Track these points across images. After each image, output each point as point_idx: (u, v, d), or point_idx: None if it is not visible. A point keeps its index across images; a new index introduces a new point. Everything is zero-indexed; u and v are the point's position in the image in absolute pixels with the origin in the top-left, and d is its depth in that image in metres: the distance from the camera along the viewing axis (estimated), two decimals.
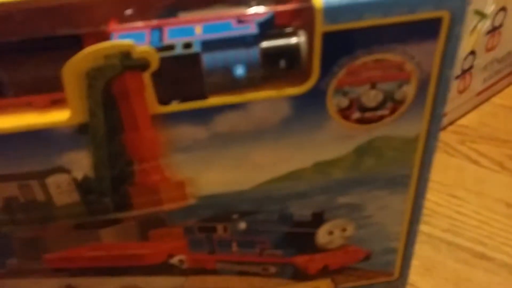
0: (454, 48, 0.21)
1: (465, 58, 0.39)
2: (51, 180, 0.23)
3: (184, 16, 0.21)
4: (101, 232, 0.25)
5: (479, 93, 0.43)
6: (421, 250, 0.34)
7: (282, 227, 0.27)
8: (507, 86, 0.46)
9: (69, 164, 0.22)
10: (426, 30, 0.21)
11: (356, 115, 0.23)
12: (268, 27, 0.21)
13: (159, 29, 0.21)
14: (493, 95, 0.45)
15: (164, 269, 0.28)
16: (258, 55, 0.21)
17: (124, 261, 0.27)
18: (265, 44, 0.21)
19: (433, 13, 0.20)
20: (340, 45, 0.21)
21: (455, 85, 0.40)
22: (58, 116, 0.21)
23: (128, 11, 0.20)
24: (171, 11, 0.22)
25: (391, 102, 0.23)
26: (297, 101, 0.22)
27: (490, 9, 0.37)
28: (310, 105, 0.22)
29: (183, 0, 0.22)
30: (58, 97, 0.22)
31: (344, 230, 0.28)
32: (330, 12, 0.20)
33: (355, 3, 0.19)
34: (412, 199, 0.27)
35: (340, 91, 0.22)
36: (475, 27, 0.37)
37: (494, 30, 0.40)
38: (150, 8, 0.22)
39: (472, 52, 0.39)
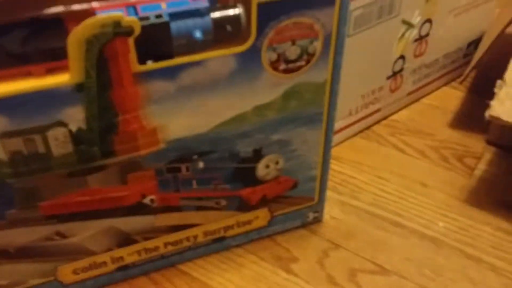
0: (345, 11, 0.30)
1: (395, 62, 0.47)
2: (51, 134, 0.28)
3: None
4: (89, 178, 0.31)
5: (409, 93, 0.52)
6: (348, 219, 0.42)
7: (231, 164, 0.34)
8: (436, 89, 0.54)
9: (67, 118, 0.28)
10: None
11: (282, 66, 0.31)
12: (215, 1, 0.29)
13: (133, 6, 0.27)
14: (423, 96, 0.54)
15: (138, 209, 0.34)
16: (211, 22, 0.28)
17: (106, 204, 0.32)
18: (215, 14, 0.28)
19: None
20: (269, 13, 0.28)
21: (387, 84, 0.48)
22: (60, 79, 0.26)
23: None
24: None
25: (306, 55, 0.31)
26: (240, 57, 0.30)
27: (416, 19, 0.46)
28: (249, 59, 0.30)
29: None
30: (52, 66, 0.27)
31: (277, 163, 0.36)
32: None
33: None
34: (325, 133, 0.36)
35: (271, 48, 0.30)
36: (403, 34, 0.45)
37: (421, 38, 0.48)
38: None
39: (402, 57, 0.47)
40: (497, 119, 0.39)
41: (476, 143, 0.48)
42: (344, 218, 0.42)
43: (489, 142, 0.48)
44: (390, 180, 0.45)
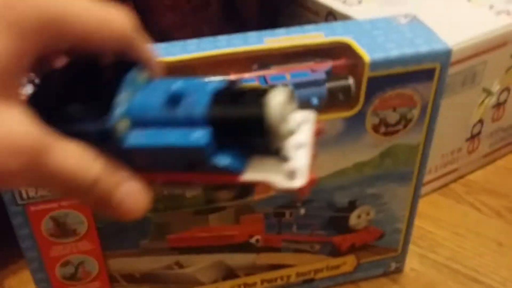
0: (442, 85, 0.34)
1: (474, 125, 0.50)
2: None
3: (277, 68, 0.33)
4: (210, 217, 0.36)
5: (485, 155, 0.55)
6: (427, 271, 0.45)
7: (328, 213, 0.39)
8: (510, 152, 0.58)
9: None
10: (427, 75, 0.34)
11: (383, 129, 0.35)
12: (330, 74, 0.34)
13: (264, 77, 0.33)
14: (498, 158, 0.56)
15: (244, 247, 0.38)
16: (326, 91, 0.33)
17: (220, 240, 0.37)
18: (330, 84, 0.33)
19: (430, 65, 0.33)
20: (376, 85, 0.33)
21: (465, 146, 0.51)
22: None
23: (254, 67, 0.32)
24: (265, 65, 0.34)
25: (404, 121, 0.35)
26: (348, 120, 0.34)
27: (496, 88, 0.49)
28: (355, 123, 0.34)
29: (275, 57, 0.34)
30: None
31: (368, 214, 0.40)
32: (373, 65, 0.32)
33: (386, 60, 0.32)
34: (413, 190, 0.39)
35: (374, 113, 0.34)
36: (483, 101, 0.49)
37: (499, 105, 0.51)
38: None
39: (480, 121, 0.51)
40: None
41: None
42: (424, 270, 0.45)
43: None
44: (467, 237, 0.48)
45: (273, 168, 0.20)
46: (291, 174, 0.19)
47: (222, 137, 0.19)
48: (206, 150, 0.19)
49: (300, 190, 0.19)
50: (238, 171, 0.20)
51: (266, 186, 0.35)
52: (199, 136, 0.19)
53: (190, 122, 0.19)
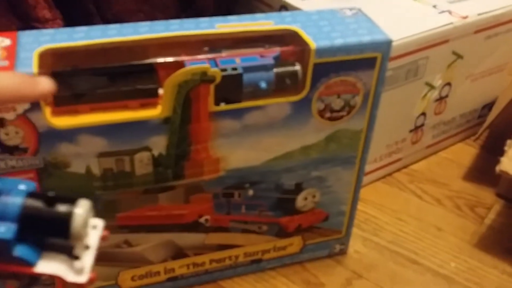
0: (383, 74, 0.36)
1: (418, 117, 0.53)
2: (137, 156, 0.34)
3: (227, 52, 0.34)
4: (160, 196, 0.37)
5: (428, 146, 0.58)
6: (370, 253, 0.47)
7: (275, 194, 0.40)
8: (452, 144, 0.61)
9: (152, 144, 0.34)
10: (369, 63, 0.36)
11: (328, 114, 0.37)
12: (278, 60, 0.35)
13: (214, 60, 0.34)
14: (440, 149, 0.59)
15: (194, 227, 0.39)
16: (273, 76, 0.35)
17: (169, 219, 0.38)
18: (278, 69, 0.35)
19: (372, 54, 0.35)
20: (321, 71, 0.35)
21: (409, 137, 0.54)
22: (152, 112, 0.33)
23: (205, 49, 0.33)
24: (216, 49, 0.35)
25: (348, 107, 0.37)
26: (294, 105, 0.36)
27: (437, 82, 0.51)
28: (301, 107, 0.36)
29: (225, 42, 0.35)
30: (145, 102, 0.33)
31: (314, 196, 0.41)
32: (318, 52, 0.34)
33: (331, 47, 0.34)
34: (357, 173, 0.41)
35: (320, 99, 0.36)
36: (425, 95, 0.51)
37: (441, 99, 0.55)
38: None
39: (423, 114, 0.54)
40: (506, 173, 0.44)
41: (487, 195, 0.54)
42: (366, 252, 0.47)
43: (498, 195, 0.54)
44: (409, 222, 0.50)
45: (64, 263, 0.24)
46: (79, 271, 0.24)
47: (26, 233, 0.23)
48: (9, 242, 0.22)
49: (84, 284, 0.24)
50: (32, 263, 0.23)
51: (215, 167, 0.37)
52: (5, 230, 0.22)
53: (2, 217, 0.23)
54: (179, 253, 0.41)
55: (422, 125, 0.54)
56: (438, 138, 0.58)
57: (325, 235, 0.45)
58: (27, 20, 0.40)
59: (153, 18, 0.46)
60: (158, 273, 0.41)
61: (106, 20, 0.43)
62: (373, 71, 0.36)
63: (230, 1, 0.56)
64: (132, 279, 0.40)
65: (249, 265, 0.44)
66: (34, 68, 0.30)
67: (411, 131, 0.54)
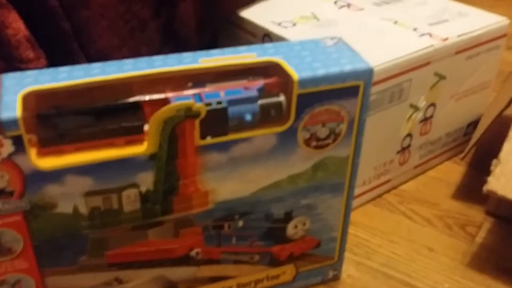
0: (366, 102, 0.37)
1: (404, 139, 0.53)
2: (125, 194, 0.34)
3: (212, 86, 0.35)
4: (149, 232, 0.36)
5: (416, 166, 0.58)
6: (363, 278, 0.47)
7: (265, 224, 0.40)
8: (440, 163, 0.61)
9: (139, 181, 0.34)
10: (352, 92, 0.36)
11: (314, 143, 0.37)
12: (263, 91, 0.35)
13: (199, 94, 0.34)
14: (428, 169, 0.59)
15: (184, 260, 0.39)
16: (258, 108, 0.35)
17: (160, 254, 0.38)
18: (262, 101, 0.35)
19: (355, 83, 0.36)
20: (305, 101, 0.35)
21: (396, 158, 0.54)
22: (138, 149, 0.33)
23: (189, 84, 0.33)
24: (200, 84, 0.35)
25: (333, 135, 0.38)
26: (280, 135, 0.36)
27: (422, 103, 0.52)
28: (287, 137, 0.36)
29: (209, 76, 0.35)
30: (131, 139, 0.33)
31: (304, 224, 0.41)
32: (301, 83, 0.34)
33: (314, 78, 0.34)
34: (346, 199, 0.42)
35: (305, 129, 0.36)
36: (410, 116, 0.52)
37: (426, 119, 0.55)
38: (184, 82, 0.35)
39: (409, 135, 0.54)
40: (494, 193, 0.45)
41: (476, 213, 0.54)
42: (360, 276, 0.47)
43: (488, 213, 0.54)
44: (400, 244, 0.50)
45: None
46: None
47: None
48: None
49: None
50: None
51: (204, 200, 0.37)
52: None
53: None
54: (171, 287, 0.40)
55: (409, 146, 0.55)
56: (425, 158, 0.58)
57: (318, 262, 0.45)
58: (10, 61, 0.40)
59: (137, 53, 0.46)
60: None
61: (90, 56, 0.43)
62: (356, 99, 0.37)
63: (213, 32, 0.57)
64: None
65: None
66: (18, 111, 0.30)
67: (398, 152, 0.54)
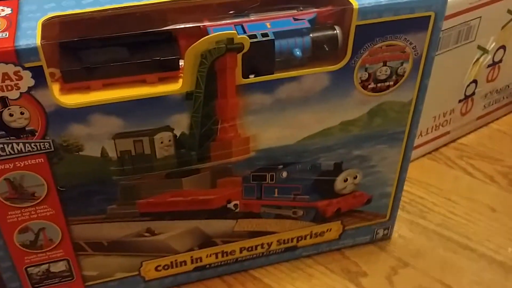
0: (436, 37, 0.31)
1: (468, 85, 0.48)
2: (158, 137, 0.30)
3: (256, 16, 0.30)
4: (184, 181, 0.33)
5: (479, 118, 0.53)
6: (417, 238, 0.43)
7: (312, 176, 0.36)
8: (505, 114, 0.55)
9: (173, 124, 0.30)
10: (420, 24, 0.31)
11: (372, 85, 0.33)
12: (315, 23, 0.30)
13: (241, 25, 0.30)
14: (492, 121, 0.54)
15: (222, 213, 0.36)
16: (310, 42, 0.30)
17: (195, 205, 0.35)
18: (315, 34, 0.30)
19: (424, 13, 0.30)
20: (365, 35, 0.30)
21: (458, 107, 0.48)
22: (172, 87, 0.29)
23: (231, 13, 0.29)
24: (243, 13, 0.31)
25: (395, 76, 0.33)
26: (334, 75, 0.31)
27: (491, 45, 0.46)
28: (342, 78, 0.32)
29: (252, 4, 0.31)
30: (164, 75, 0.30)
31: (355, 177, 0.37)
32: (362, 12, 0.29)
33: (377, 6, 0.29)
34: (404, 151, 0.37)
35: (363, 68, 0.32)
36: (477, 59, 0.46)
37: (494, 64, 0.49)
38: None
39: (475, 81, 0.48)
40: None
41: None
42: (413, 237, 0.43)
43: None
44: (459, 203, 0.46)
45: None
46: None
47: None
48: None
49: None
50: None
51: (245, 147, 0.33)
52: None
53: None
54: (206, 242, 0.37)
55: (473, 93, 0.49)
56: (489, 108, 0.52)
57: (367, 220, 0.41)
58: None
59: None
60: (184, 262, 0.37)
61: None
62: (425, 33, 0.31)
63: None
64: (157, 269, 0.37)
65: (283, 253, 0.40)
66: (38, 39, 0.26)
67: (460, 101, 0.48)
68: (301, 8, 0.31)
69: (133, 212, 0.33)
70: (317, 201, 0.38)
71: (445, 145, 0.51)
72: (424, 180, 0.48)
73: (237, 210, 0.36)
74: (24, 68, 0.26)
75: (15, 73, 0.26)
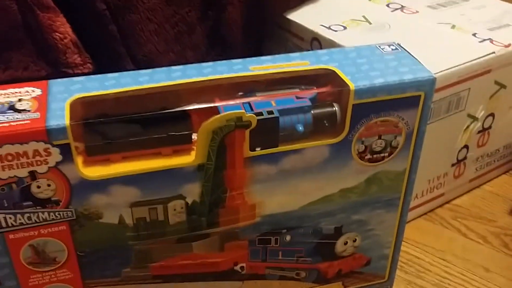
0: (426, 113, 0.34)
1: (460, 150, 0.51)
2: (171, 205, 0.33)
3: (262, 95, 0.33)
4: (194, 245, 0.35)
5: (471, 180, 0.55)
6: None
7: (314, 239, 0.38)
8: (496, 176, 0.58)
9: (186, 192, 0.33)
10: (411, 102, 0.34)
11: (368, 156, 0.35)
12: (315, 101, 0.34)
13: (249, 103, 0.33)
14: (484, 182, 0.56)
15: (229, 275, 0.38)
16: (311, 118, 0.33)
17: (204, 268, 0.36)
18: (315, 111, 0.33)
19: (415, 93, 0.33)
20: (361, 112, 0.33)
21: (451, 171, 0.51)
22: (185, 159, 0.32)
23: (239, 93, 0.32)
24: (250, 92, 0.34)
25: (390, 148, 0.35)
26: (333, 147, 0.34)
27: (480, 114, 0.49)
28: (341, 150, 0.34)
29: (259, 84, 0.34)
30: (178, 148, 0.32)
31: (354, 240, 0.39)
32: (358, 93, 0.32)
33: (371, 88, 0.32)
34: (400, 215, 0.39)
35: (360, 140, 0.34)
36: (468, 127, 0.49)
37: (484, 130, 0.52)
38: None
39: (466, 146, 0.51)
40: None
41: None
42: None
43: None
44: (454, 263, 0.48)
45: None
46: None
47: None
48: None
49: None
50: None
51: (251, 213, 0.35)
52: None
53: None
54: None
55: (465, 158, 0.52)
56: (481, 171, 0.55)
57: (367, 280, 0.42)
58: (56, 66, 0.39)
59: (183, 58, 0.45)
60: None
61: (136, 61, 0.42)
62: (416, 110, 0.34)
63: (260, 35, 0.55)
64: None
65: None
66: (67, 119, 0.29)
67: (453, 164, 0.51)
68: (303, 87, 0.34)
69: (146, 275, 0.35)
70: (319, 263, 0.40)
71: (439, 206, 0.53)
72: (420, 240, 0.50)
73: (244, 272, 0.38)
74: (53, 146, 0.29)
75: (45, 150, 0.29)
